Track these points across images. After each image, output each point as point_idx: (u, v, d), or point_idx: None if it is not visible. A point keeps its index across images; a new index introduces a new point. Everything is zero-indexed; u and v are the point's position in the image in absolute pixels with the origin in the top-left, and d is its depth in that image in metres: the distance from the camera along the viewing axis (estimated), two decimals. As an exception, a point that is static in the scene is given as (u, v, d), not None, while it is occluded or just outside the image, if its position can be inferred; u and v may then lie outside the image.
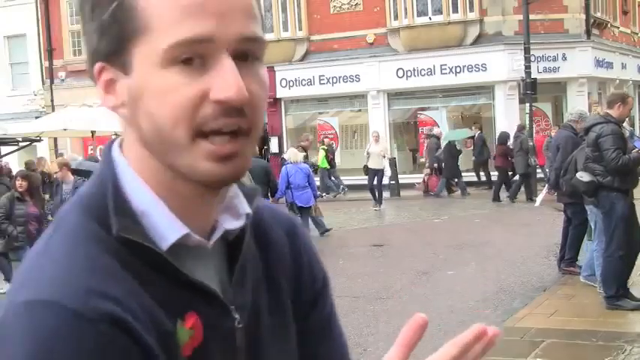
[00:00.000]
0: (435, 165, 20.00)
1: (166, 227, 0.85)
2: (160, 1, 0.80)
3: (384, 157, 17.81)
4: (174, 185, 0.86)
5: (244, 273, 0.94)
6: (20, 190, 8.46)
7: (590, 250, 7.72)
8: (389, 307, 7.61)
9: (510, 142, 17.78)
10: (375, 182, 17.24)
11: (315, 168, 14.99)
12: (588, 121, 7.32)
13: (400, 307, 7.55)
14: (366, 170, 17.58)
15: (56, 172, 10.84)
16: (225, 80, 0.79)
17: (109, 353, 0.75)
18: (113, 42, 0.82)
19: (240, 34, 0.81)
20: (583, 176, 6.83)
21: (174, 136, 0.81)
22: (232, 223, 0.92)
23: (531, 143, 17.56)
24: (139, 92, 0.82)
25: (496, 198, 17.37)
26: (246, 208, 0.93)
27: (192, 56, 0.80)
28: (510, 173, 18.00)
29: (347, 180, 21.10)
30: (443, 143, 19.96)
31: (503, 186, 17.65)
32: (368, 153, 17.68)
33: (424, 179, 20.80)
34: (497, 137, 18.64)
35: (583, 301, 7.27)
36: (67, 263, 0.79)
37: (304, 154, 13.91)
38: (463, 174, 19.84)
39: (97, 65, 0.85)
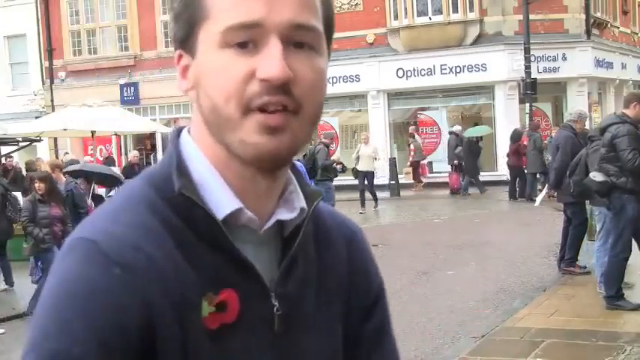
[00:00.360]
0: (455, 162, 19.94)
1: (222, 199, 0.91)
2: None
3: (376, 158, 17.47)
4: (230, 164, 0.91)
5: (293, 265, 0.96)
6: (40, 192, 8.39)
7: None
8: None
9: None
10: (366, 184, 16.89)
11: (343, 167, 14.77)
12: (604, 121, 7.25)
13: (400, 307, 7.55)
14: (356, 173, 17.12)
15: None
16: (270, 60, 0.85)
17: (113, 295, 0.83)
18: (184, 28, 0.91)
19: (290, 21, 0.87)
20: (596, 176, 6.79)
21: (227, 112, 0.87)
22: (286, 215, 0.95)
23: (546, 141, 17.51)
24: (200, 74, 0.90)
25: (514, 196, 17.36)
26: (301, 202, 0.97)
27: (246, 40, 0.86)
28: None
29: (347, 180, 21.06)
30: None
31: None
32: (358, 155, 17.25)
33: (417, 182, 20.88)
34: (510, 136, 18.52)
35: (583, 301, 7.27)
36: (115, 216, 0.89)
37: (326, 150, 13.73)
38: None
39: (177, 53, 0.94)
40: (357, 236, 1.10)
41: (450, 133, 20.46)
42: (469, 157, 19.11)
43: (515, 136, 17.98)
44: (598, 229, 7.47)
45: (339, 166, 14.27)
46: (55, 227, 8.32)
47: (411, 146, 21.28)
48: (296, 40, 0.88)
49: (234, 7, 0.86)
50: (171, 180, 0.90)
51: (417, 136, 21.70)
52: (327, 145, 13.90)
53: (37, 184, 8.46)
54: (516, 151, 17.76)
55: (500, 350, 5.95)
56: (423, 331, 6.67)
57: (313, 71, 0.89)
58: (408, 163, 21.57)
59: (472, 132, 20.52)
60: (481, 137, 21.07)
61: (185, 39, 0.91)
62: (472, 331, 6.52)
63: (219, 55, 0.87)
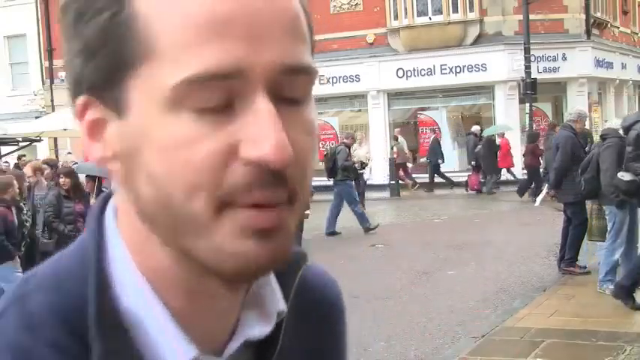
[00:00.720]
0: (473, 162, 19.92)
1: (166, 348, 0.61)
2: (167, 14, 0.56)
3: (369, 159, 17.32)
4: (177, 277, 0.62)
5: None
6: (65, 187, 8.40)
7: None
8: (389, 307, 7.60)
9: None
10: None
11: (362, 164, 14.72)
12: (628, 119, 7.24)
13: (400, 307, 7.56)
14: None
15: (30, 177, 10.67)
16: (259, 129, 0.56)
17: None
18: (103, 69, 0.59)
19: (281, 63, 0.57)
20: (624, 175, 6.76)
21: (191, 210, 0.57)
22: (257, 328, 0.67)
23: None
24: (136, 143, 0.58)
25: (521, 194, 17.37)
26: (278, 303, 0.68)
27: (214, 104, 0.56)
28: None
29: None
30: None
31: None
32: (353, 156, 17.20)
33: (414, 182, 20.89)
34: (526, 136, 18.53)
35: (583, 301, 7.28)
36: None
37: (347, 151, 13.68)
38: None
39: (81, 99, 0.61)
40: (341, 303, 0.85)
41: (469, 133, 20.54)
42: (489, 155, 19.13)
43: (532, 137, 18.03)
44: (609, 228, 7.46)
45: (357, 164, 14.28)
46: (79, 223, 8.31)
47: (394, 149, 21.17)
48: (287, 93, 0.59)
49: (196, 46, 0.55)
50: (86, 314, 0.60)
51: (400, 138, 21.58)
52: (348, 146, 13.87)
53: (61, 180, 8.46)
54: (532, 152, 17.79)
55: (500, 350, 5.96)
56: (423, 331, 6.67)
57: (309, 136, 0.61)
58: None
59: (491, 130, 20.55)
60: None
61: (102, 85, 0.59)
62: (472, 331, 6.53)
63: (173, 122, 0.56)
